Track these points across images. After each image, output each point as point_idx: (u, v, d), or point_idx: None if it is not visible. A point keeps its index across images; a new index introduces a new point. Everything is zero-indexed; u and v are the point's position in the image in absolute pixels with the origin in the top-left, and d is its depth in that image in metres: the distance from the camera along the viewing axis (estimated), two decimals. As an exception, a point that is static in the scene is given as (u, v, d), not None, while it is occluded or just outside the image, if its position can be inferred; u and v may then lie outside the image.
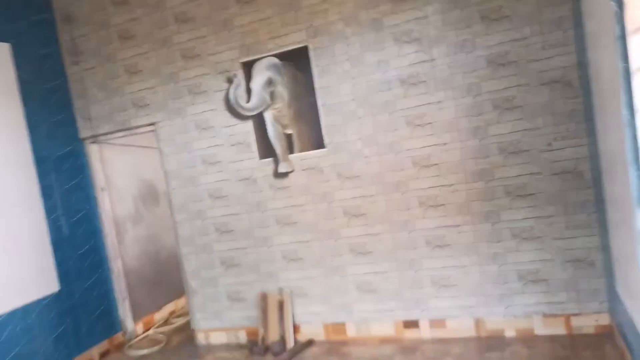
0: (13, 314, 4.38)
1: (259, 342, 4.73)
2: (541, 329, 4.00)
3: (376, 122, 4.26)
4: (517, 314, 4.05)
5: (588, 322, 3.88)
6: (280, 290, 4.77)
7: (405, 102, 4.15)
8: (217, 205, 4.92)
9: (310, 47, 4.37)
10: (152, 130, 5.11)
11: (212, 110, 4.80)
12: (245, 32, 4.58)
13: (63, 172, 5.14)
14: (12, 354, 4.30)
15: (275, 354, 4.52)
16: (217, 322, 5.10)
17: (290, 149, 4.60)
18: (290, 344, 4.63)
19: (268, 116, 4.56)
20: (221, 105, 4.76)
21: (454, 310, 4.24)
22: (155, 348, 5.21)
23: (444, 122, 4.06)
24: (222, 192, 4.88)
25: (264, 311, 4.80)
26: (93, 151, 5.44)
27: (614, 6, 2.50)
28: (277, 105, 4.52)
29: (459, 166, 4.06)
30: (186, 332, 5.54)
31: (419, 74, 4.08)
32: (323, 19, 4.31)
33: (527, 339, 3.98)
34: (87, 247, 5.32)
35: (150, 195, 6.31)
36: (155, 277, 6.14)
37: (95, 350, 5.19)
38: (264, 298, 4.82)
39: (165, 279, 6.24)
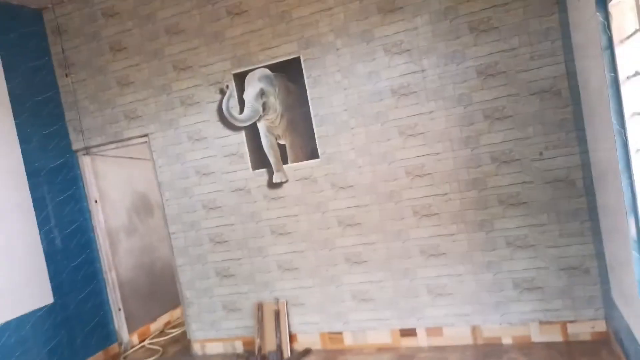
0: (7, 326, 4.36)
1: (256, 352, 4.72)
2: (538, 336, 4.01)
3: (369, 133, 4.27)
4: (513, 321, 4.06)
5: (584, 329, 3.89)
6: (276, 300, 4.77)
7: (397, 113, 4.16)
8: (211, 216, 4.91)
9: (302, 58, 4.39)
10: (145, 142, 5.10)
11: (204, 121, 4.80)
12: (236, 43, 4.58)
13: (56, 184, 5.13)
14: (6, 366, 4.29)
15: (272, 365, 4.52)
16: (213, 332, 5.08)
17: (284, 160, 4.60)
18: (286, 353, 4.62)
19: (261, 127, 4.58)
20: (214, 116, 4.76)
21: (450, 318, 4.24)
22: (151, 359, 5.19)
23: (435, 132, 4.08)
24: (216, 203, 4.88)
25: (260, 321, 4.79)
26: (86, 163, 5.43)
27: (599, 17, 2.53)
28: (269, 116, 4.54)
29: (451, 175, 4.08)
30: (182, 342, 5.53)
31: (410, 85, 4.10)
32: (314, 30, 4.32)
33: (524, 346, 3.99)
34: (81, 258, 5.30)
35: (143, 207, 6.29)
36: (150, 288, 6.12)
37: (91, 362, 5.18)
38: (259, 308, 4.82)
39: (160, 290, 6.22)
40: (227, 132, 4.73)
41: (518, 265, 3.99)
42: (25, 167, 4.78)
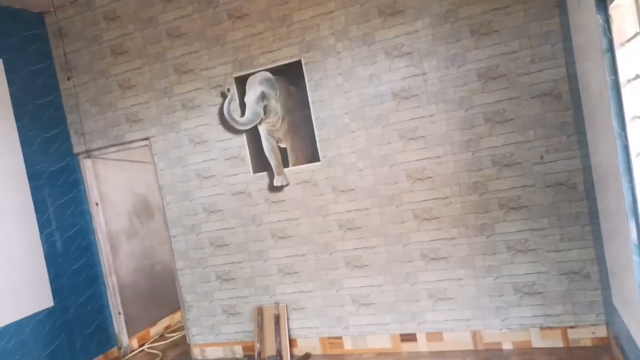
0: (6, 329, 4.36)
1: (255, 356, 4.70)
2: (538, 341, 3.98)
3: (370, 136, 4.26)
4: (513, 326, 4.04)
5: (585, 335, 3.86)
6: (276, 304, 4.75)
7: (397, 116, 4.16)
8: (212, 219, 4.91)
9: (303, 61, 4.39)
10: (146, 145, 5.11)
11: (206, 124, 4.80)
12: (237, 47, 4.59)
13: (57, 187, 5.14)
14: (6, 370, 4.28)
15: (271, 370, 4.50)
16: (213, 336, 5.06)
17: (285, 163, 4.60)
18: (286, 358, 4.60)
19: (262, 130, 4.59)
20: (215, 120, 4.76)
21: (450, 323, 4.22)
22: (151, 364, 5.19)
23: (436, 135, 4.07)
24: (216, 206, 4.87)
25: (260, 325, 4.77)
26: (87, 166, 5.44)
27: (600, 20, 2.53)
28: (270, 119, 4.55)
29: (452, 179, 4.06)
30: (182, 346, 5.51)
31: (410, 88, 4.10)
32: (315, 33, 4.33)
33: (525, 352, 3.97)
34: (82, 262, 5.30)
35: (144, 210, 6.29)
36: (150, 291, 6.11)
37: (90, 366, 5.17)
38: (259, 312, 4.80)
39: (160, 294, 6.21)
40: (228, 135, 4.73)
41: (519, 270, 3.97)
42: (27, 170, 4.79)
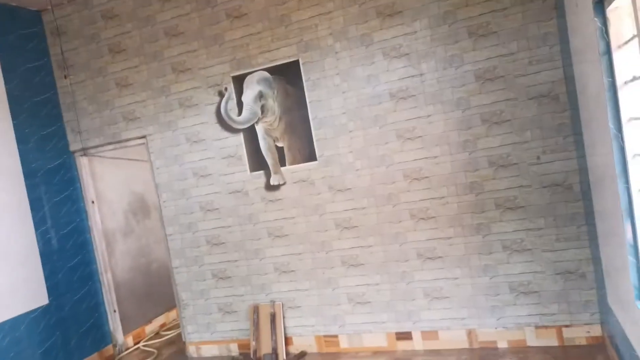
0: (1, 327, 4.35)
1: (251, 354, 4.71)
2: (533, 340, 4.01)
3: (367, 136, 4.28)
4: (509, 325, 4.07)
5: (580, 334, 3.90)
6: (272, 302, 4.76)
7: (395, 116, 4.18)
8: (209, 217, 4.91)
9: (301, 61, 4.40)
10: (143, 143, 5.10)
11: (203, 123, 4.80)
12: (236, 46, 4.60)
13: (53, 185, 5.12)
14: (0, 367, 4.26)
15: (268, 368, 4.51)
16: (209, 334, 5.07)
17: (282, 162, 4.61)
18: (282, 356, 4.61)
19: (259, 129, 4.60)
20: (212, 118, 4.76)
21: (446, 322, 4.25)
22: (146, 362, 5.18)
23: (433, 135, 4.09)
24: (213, 205, 4.88)
25: (256, 323, 4.78)
26: (83, 164, 5.42)
27: (597, 22, 2.55)
28: (268, 119, 4.55)
29: (449, 179, 4.09)
30: (177, 344, 5.51)
31: (408, 89, 4.12)
32: (313, 33, 4.34)
33: (520, 350, 4.00)
34: (77, 259, 5.28)
35: (140, 208, 6.28)
36: (145, 289, 6.10)
37: (85, 364, 5.16)
38: (255, 310, 4.81)
39: (156, 292, 6.20)
40: (226, 134, 4.73)
41: (514, 269, 4.00)
42: (23, 168, 4.77)
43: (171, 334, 5.90)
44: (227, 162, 4.77)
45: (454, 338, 4.23)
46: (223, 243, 4.89)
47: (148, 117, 4.99)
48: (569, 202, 3.81)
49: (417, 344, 4.34)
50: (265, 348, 4.67)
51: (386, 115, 4.21)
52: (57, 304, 4.93)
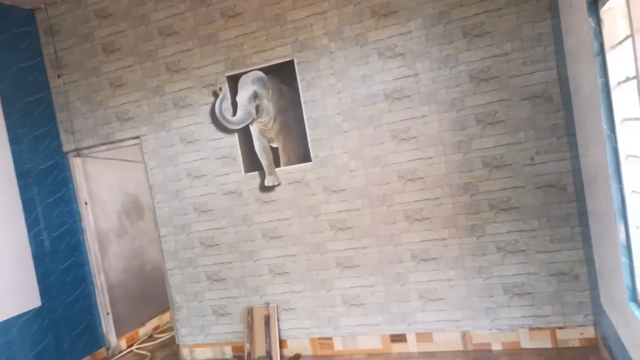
0: (-7, 329, 4.31)
1: (245, 357, 4.68)
2: (527, 342, 4.00)
3: (362, 136, 4.27)
4: (503, 327, 4.06)
5: (573, 335, 3.89)
6: (267, 305, 4.73)
7: (390, 117, 4.17)
8: (203, 219, 4.88)
9: (296, 61, 4.39)
10: (137, 144, 5.08)
11: (197, 123, 4.78)
12: (230, 46, 4.58)
13: (45, 186, 5.08)
14: (-9, 371, 4.23)
15: (261, 370, 4.48)
16: (202, 337, 5.04)
17: (276, 163, 4.59)
18: (276, 358, 4.58)
19: (254, 130, 4.58)
20: (207, 119, 4.74)
21: (440, 324, 4.23)
22: (139, 364, 5.15)
23: (428, 136, 4.08)
24: (207, 206, 4.85)
25: (250, 326, 4.75)
26: (76, 165, 5.39)
27: (591, 23, 2.55)
28: (262, 119, 4.54)
29: (443, 180, 4.08)
30: (171, 347, 5.47)
31: (403, 89, 4.11)
32: (308, 33, 4.33)
33: (514, 352, 3.99)
34: (70, 261, 5.25)
35: (134, 209, 6.25)
36: (139, 291, 6.06)
37: (78, 367, 5.11)
38: (249, 312, 4.78)
39: (149, 294, 6.17)
40: (220, 134, 4.71)
41: (508, 271, 3.99)
42: (15, 168, 4.74)
43: (165, 336, 5.87)
44: (221, 162, 4.75)
45: (448, 340, 4.21)
46: (217, 244, 4.87)
47: (142, 118, 4.97)
48: (562, 203, 3.81)
49: (412, 346, 4.32)
50: (260, 351, 4.64)
51: (381, 115, 4.20)
52: (49, 306, 4.89)
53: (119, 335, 5.60)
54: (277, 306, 4.71)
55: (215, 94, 4.63)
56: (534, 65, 3.76)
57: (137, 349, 5.61)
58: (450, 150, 4.04)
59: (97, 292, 5.45)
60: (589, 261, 3.68)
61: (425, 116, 4.08)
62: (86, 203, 5.44)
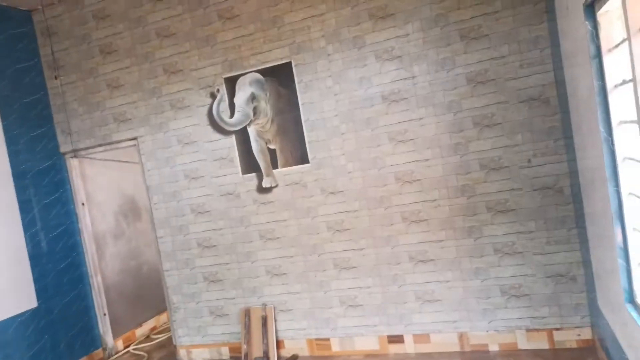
0: (-12, 331, 4.29)
1: (242, 358, 4.68)
2: (524, 343, 4.02)
3: (359, 138, 4.28)
4: (500, 328, 4.07)
5: (570, 337, 3.90)
6: (264, 306, 4.73)
7: (387, 119, 4.18)
8: (200, 220, 4.88)
9: (293, 63, 4.39)
10: (134, 145, 5.07)
11: (194, 125, 4.78)
12: (228, 48, 4.58)
13: (42, 187, 5.07)
14: (-13, 372, 4.21)
15: (259, 371, 4.48)
16: (199, 338, 5.03)
17: (274, 164, 4.59)
18: (273, 359, 4.59)
19: (251, 131, 4.58)
20: (204, 120, 4.74)
21: (437, 325, 4.24)
22: (136, 366, 5.14)
23: (425, 138, 4.09)
24: (204, 207, 4.85)
25: (247, 327, 4.75)
26: (73, 166, 5.37)
27: (588, 26, 2.56)
28: (260, 121, 4.54)
29: (441, 182, 4.09)
30: (168, 348, 5.46)
31: (400, 91, 4.12)
32: (306, 35, 4.33)
33: (511, 353, 4.00)
34: (67, 262, 5.23)
35: (131, 210, 6.24)
36: (136, 292, 6.05)
37: (74, 368, 5.10)
38: (247, 313, 4.78)
39: (146, 295, 6.16)
40: (217, 136, 4.71)
41: (505, 272, 4.00)
42: (12, 169, 4.72)
43: (162, 337, 5.86)
44: (218, 164, 4.75)
45: (445, 341, 4.22)
46: (214, 246, 4.86)
47: (139, 119, 4.96)
48: (559, 205, 3.82)
49: (409, 347, 4.33)
50: (257, 352, 4.64)
51: (378, 117, 4.20)
52: (46, 307, 4.88)
53: (115, 336, 5.59)
54: (274, 307, 4.71)
55: (213, 96, 4.63)
56: (531, 68, 3.77)
57: (134, 349, 5.60)
58: (448, 153, 4.05)
59: (93, 293, 5.44)
60: (586, 263, 3.70)
61: (422, 118, 4.09)
62: (83, 204, 5.42)
